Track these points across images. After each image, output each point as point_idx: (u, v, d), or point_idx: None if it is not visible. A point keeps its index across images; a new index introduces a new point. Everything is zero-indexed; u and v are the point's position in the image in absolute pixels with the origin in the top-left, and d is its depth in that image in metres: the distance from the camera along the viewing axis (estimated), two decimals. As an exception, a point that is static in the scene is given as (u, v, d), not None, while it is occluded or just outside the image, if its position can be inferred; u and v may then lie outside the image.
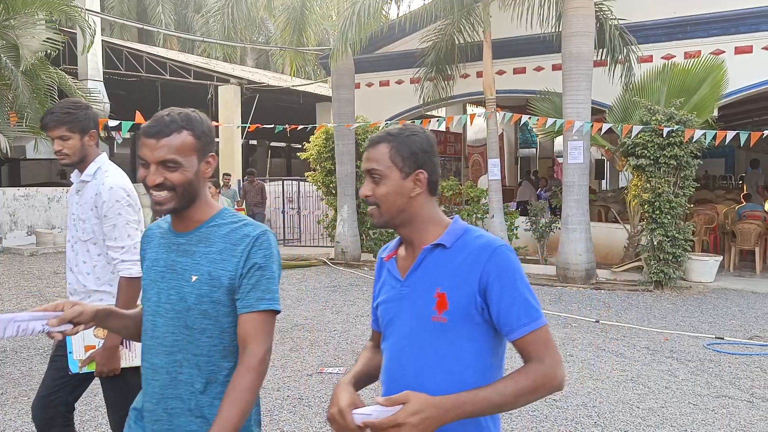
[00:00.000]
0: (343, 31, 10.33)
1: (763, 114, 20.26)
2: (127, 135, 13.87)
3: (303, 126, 10.15)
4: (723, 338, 6.72)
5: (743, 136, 8.63)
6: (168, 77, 16.41)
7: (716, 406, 4.83)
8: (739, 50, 10.41)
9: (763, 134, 8.65)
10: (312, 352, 6.32)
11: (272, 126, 10.01)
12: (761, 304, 8.31)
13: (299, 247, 14.18)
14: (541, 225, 11.15)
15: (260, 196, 13.46)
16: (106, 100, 15.54)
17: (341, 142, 11.82)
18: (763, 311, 7.89)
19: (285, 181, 15.33)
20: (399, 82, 13.68)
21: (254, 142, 28.38)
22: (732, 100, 10.62)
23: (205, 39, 22.12)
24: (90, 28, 11.13)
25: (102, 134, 14.89)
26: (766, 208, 11.99)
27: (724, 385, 5.31)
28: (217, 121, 15.77)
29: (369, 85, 14.01)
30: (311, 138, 12.56)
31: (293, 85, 17.38)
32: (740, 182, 20.72)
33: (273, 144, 28.49)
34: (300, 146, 13.37)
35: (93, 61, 15.42)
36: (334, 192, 12.34)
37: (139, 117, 8.79)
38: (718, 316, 7.72)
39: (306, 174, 13.26)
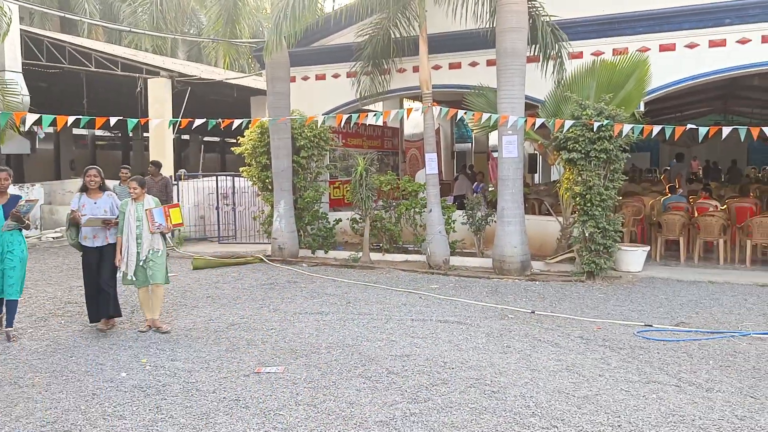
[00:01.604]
0: (278, 23, 10.12)
1: (686, 109, 21.22)
2: (50, 129, 13.19)
3: (237, 120, 9.85)
4: (652, 326, 6.96)
5: (668, 131, 8.96)
6: (93, 69, 15.69)
7: (647, 392, 4.98)
8: (663, 48, 10.81)
9: (686, 128, 9.00)
10: (249, 352, 6.17)
11: (205, 121, 9.69)
12: (686, 291, 8.67)
13: (235, 245, 13.86)
14: (477, 218, 11.28)
15: (164, 193, 11.61)
16: (26, 92, 14.75)
17: (277, 136, 11.60)
18: (687, 298, 8.23)
19: (219, 177, 14.94)
20: (335, 76, 13.54)
21: (186, 137, 27.60)
22: (657, 96, 11.01)
23: (132, 29, 21.31)
24: (6, 16, 10.49)
25: (21, 128, 14.14)
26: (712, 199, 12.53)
27: (654, 371, 5.49)
28: (147, 116, 15.21)
29: (305, 78, 13.82)
30: (246, 132, 12.27)
31: (227, 79, 16.95)
32: (663, 175, 21.60)
33: (206, 139, 27.80)
34: (234, 141, 13.01)
35: (11, 51, 14.57)
36: (270, 187, 12.10)
37: (61, 119, 8.36)
38: (646, 304, 8.00)
39: (241, 169, 12.96)
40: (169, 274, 7.19)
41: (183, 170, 15.13)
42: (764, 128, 8.81)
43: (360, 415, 4.59)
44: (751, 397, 4.87)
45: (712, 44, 10.50)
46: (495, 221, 10.39)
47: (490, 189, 15.06)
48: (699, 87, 12.18)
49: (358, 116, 10.10)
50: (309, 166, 12.26)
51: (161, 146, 14.70)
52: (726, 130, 8.90)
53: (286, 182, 11.74)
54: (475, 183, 16.38)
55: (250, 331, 6.93)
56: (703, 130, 8.96)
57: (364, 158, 11.57)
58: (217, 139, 28.65)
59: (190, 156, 26.51)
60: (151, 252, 6.91)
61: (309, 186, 12.17)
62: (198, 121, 9.75)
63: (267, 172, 12.15)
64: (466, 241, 11.65)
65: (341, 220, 12.27)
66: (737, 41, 10.32)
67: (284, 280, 9.84)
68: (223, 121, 9.81)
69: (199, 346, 6.40)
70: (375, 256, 11.35)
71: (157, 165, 12.29)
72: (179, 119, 10.52)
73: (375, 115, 11.01)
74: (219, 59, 20.25)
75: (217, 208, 14.50)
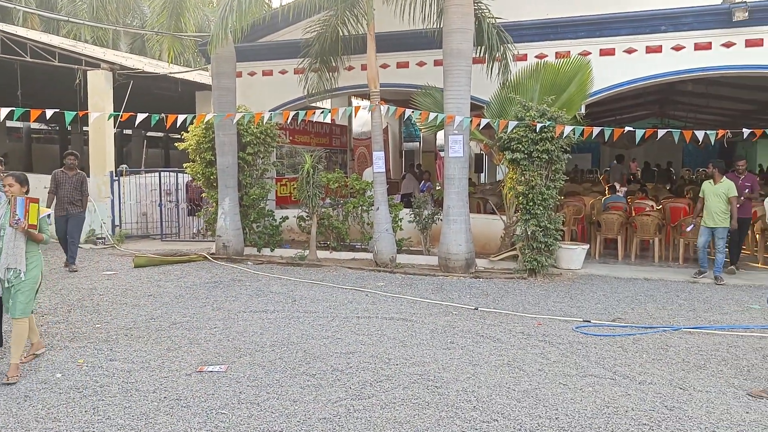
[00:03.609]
0: (223, 17, 9.96)
1: (625, 112, 21.96)
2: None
3: (181, 115, 9.63)
4: (590, 321, 7.18)
5: (607, 133, 9.26)
6: (29, 59, 15.06)
7: (584, 385, 5.15)
8: (603, 52, 11.16)
9: (624, 131, 9.32)
10: (191, 351, 6.06)
11: (147, 115, 9.43)
12: (623, 288, 8.98)
13: (178, 243, 13.57)
14: (424, 217, 11.39)
15: (79, 191, 10.29)
16: (-46, 82, 14.04)
17: (222, 132, 11.41)
18: (624, 295, 8.53)
19: (162, 173, 14.60)
20: (283, 72, 13.42)
21: (129, 131, 26.84)
22: (598, 99, 11.36)
23: (71, 19, 20.56)
24: (-68, 1, 9.95)
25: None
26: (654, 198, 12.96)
27: (591, 365, 5.67)
28: (86, 109, 14.71)
29: (251, 74, 13.65)
30: (190, 128, 12.02)
31: (171, 72, 16.54)
32: (603, 175, 22.26)
33: (149, 134, 27.09)
34: (179, 136, 12.71)
35: (-63, 39, 13.85)
36: (214, 184, 11.91)
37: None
38: (585, 300, 8.24)
39: (185, 165, 12.69)
40: (33, 303, 5.64)
41: (124, 166, 14.70)
42: (696, 132, 9.22)
43: (303, 413, 4.58)
44: (681, 388, 5.09)
45: (649, 50, 10.90)
46: (441, 220, 10.52)
47: (437, 188, 15.22)
48: (637, 91, 12.64)
49: (306, 113, 10.03)
50: (255, 162, 12.12)
51: (101, 141, 14.23)
52: (661, 133, 9.26)
53: (231, 179, 11.57)
54: (422, 182, 16.52)
55: (192, 329, 6.82)
56: (640, 133, 9.31)
57: (311, 155, 11.52)
58: (160, 134, 27.94)
59: (133, 151, 25.76)
60: (10, 273, 5.39)
61: (255, 183, 12.04)
62: (140, 116, 9.51)
63: (212, 168, 11.95)
64: (412, 239, 11.75)
65: (288, 218, 12.19)
66: (672, 48, 10.75)
67: (229, 278, 9.70)
68: (166, 116, 9.59)
69: (139, 345, 6.25)
70: (322, 254, 11.32)
71: (76, 156, 10.67)
72: (120, 113, 10.21)
73: (323, 112, 10.95)
74: (163, 53, 19.75)
75: (160, 204, 14.17)
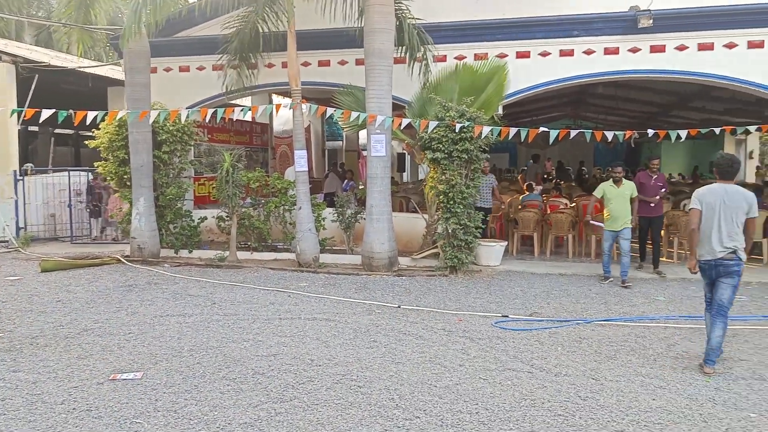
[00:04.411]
0: (137, 9, 9.56)
1: (541, 113, 22.75)
2: None
3: (91, 112, 9.16)
4: (508, 316, 7.38)
5: (523, 133, 9.55)
6: None
7: (503, 379, 5.28)
8: (519, 55, 11.50)
9: (539, 131, 9.63)
10: (103, 359, 5.79)
11: (54, 111, 8.91)
12: (539, 283, 9.28)
13: (90, 245, 12.95)
14: (347, 216, 11.37)
15: None
16: None
17: (136, 129, 10.97)
18: (540, 290, 8.82)
19: (72, 172, 13.87)
20: (200, 69, 13.05)
21: (35, 128, 25.36)
22: (514, 100, 11.70)
23: (-32, 8, 19.20)
24: None
25: None
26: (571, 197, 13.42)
27: (509, 359, 5.82)
28: (-14, 103, 13.77)
29: (167, 69, 13.19)
30: (101, 125, 11.47)
31: (80, 67, 15.75)
32: (520, 174, 22.97)
33: (57, 131, 25.71)
34: (90, 133, 12.11)
35: None
36: (128, 184, 11.43)
37: None
38: (504, 296, 8.47)
39: (96, 164, 12.11)
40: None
41: (30, 165, 13.88)
42: (606, 132, 9.66)
43: (223, 418, 4.46)
44: (593, 378, 5.30)
45: (563, 53, 11.33)
46: (364, 219, 10.53)
47: (360, 187, 15.24)
48: (552, 93, 13.09)
49: (225, 111, 9.78)
50: (171, 161, 11.73)
51: (4, 138, 13.38)
52: (573, 133, 9.63)
53: (146, 178, 11.15)
54: (346, 181, 16.50)
55: (105, 336, 6.51)
56: (554, 133, 9.64)
57: (231, 154, 11.26)
58: (70, 131, 26.58)
59: (39, 149, 24.37)
60: None
61: (171, 182, 11.65)
62: (46, 112, 9.00)
63: (125, 167, 11.47)
64: (336, 238, 11.71)
65: (207, 218, 11.87)
66: (583, 52, 11.21)
67: (144, 281, 9.34)
68: (75, 113, 9.11)
69: (46, 354, 5.91)
70: (243, 254, 11.09)
71: None
72: (24, 109, 9.61)
73: (242, 110, 10.73)
74: (72, 46, 18.79)
75: (70, 205, 13.47)
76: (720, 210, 5.48)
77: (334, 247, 11.57)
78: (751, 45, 10.52)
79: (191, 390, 5.01)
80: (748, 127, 9.42)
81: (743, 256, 5.48)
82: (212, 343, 6.24)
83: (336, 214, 11.40)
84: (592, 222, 10.15)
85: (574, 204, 12.77)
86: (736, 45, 10.57)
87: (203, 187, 14.25)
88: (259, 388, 5.05)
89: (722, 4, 10.52)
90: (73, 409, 4.65)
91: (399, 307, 7.82)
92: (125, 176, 11.53)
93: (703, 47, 10.70)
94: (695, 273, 5.72)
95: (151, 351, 6.01)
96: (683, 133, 9.39)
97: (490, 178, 11.49)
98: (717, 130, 9.62)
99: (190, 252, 11.44)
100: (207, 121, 12.42)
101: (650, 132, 9.63)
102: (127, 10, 10.05)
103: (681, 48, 10.79)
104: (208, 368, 5.52)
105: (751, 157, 24.41)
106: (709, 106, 17.52)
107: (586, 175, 24.17)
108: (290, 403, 4.73)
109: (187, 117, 11.09)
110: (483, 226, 10.29)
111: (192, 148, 12.60)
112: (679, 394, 4.96)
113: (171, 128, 11.46)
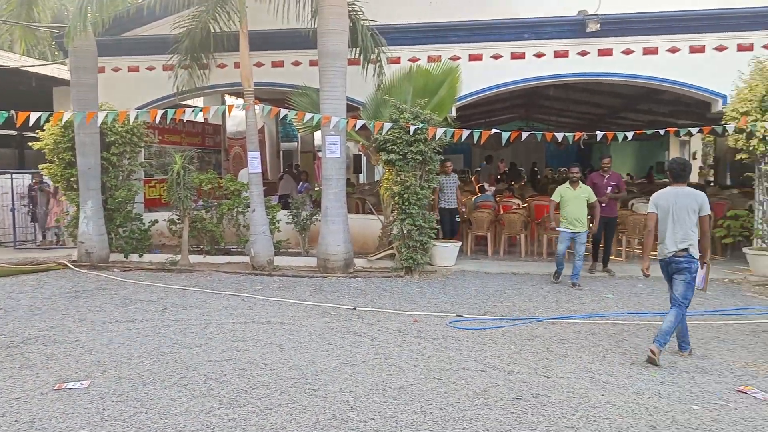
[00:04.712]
0: (82, 6, 9.30)
1: (494, 115, 23.06)
2: None
3: (35, 113, 8.84)
4: (462, 316, 7.46)
5: (476, 134, 9.65)
6: None
7: (457, 378, 5.32)
8: (472, 57, 11.63)
9: (491, 133, 9.75)
10: (48, 368, 5.60)
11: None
12: (492, 282, 9.40)
13: (35, 250, 12.52)
14: (302, 218, 11.30)
15: None
16: None
17: (83, 131, 10.66)
18: (494, 289, 8.93)
19: (15, 175, 13.38)
20: (150, 69, 12.76)
21: (-25, 129, 24.41)
22: (468, 102, 11.83)
23: None
24: None
25: None
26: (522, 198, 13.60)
27: (463, 358, 5.88)
28: None
29: (116, 69, 12.85)
30: (46, 126, 11.10)
31: (23, 66, 15.24)
32: (474, 175, 23.24)
33: (0, 132, 24.77)
34: (35, 135, 11.71)
35: None
36: (75, 187, 11.10)
37: None
38: (458, 295, 8.55)
39: (41, 166, 11.72)
40: None
41: (-31, 167, 13.35)
42: (556, 134, 9.85)
43: (174, 426, 4.37)
44: (545, 376, 5.40)
45: (514, 56, 11.51)
46: (320, 220, 10.48)
47: (315, 188, 15.16)
48: (504, 95, 13.30)
49: (175, 112, 9.59)
50: (121, 163, 11.45)
51: (-59, 139, 12.84)
52: (525, 134, 9.80)
53: (94, 181, 10.85)
54: (301, 182, 16.38)
55: (50, 344, 6.30)
56: (505, 134, 9.77)
57: (182, 155, 11.05)
58: (13, 132, 25.66)
59: (-20, 151, 23.44)
60: None
61: (121, 185, 11.37)
62: (-15, 112, 8.64)
63: (72, 169, 11.14)
64: (291, 240, 11.62)
65: (158, 221, 11.63)
66: (534, 55, 11.42)
67: (92, 287, 9.08)
68: (17, 114, 8.79)
69: (-14, 365, 5.68)
70: (195, 258, 10.90)
71: None
72: (-38, 109, 9.21)
73: (193, 111, 10.54)
74: (15, 44, 18.13)
75: (12, 209, 13.00)
76: (673, 212, 5.77)
77: (289, 250, 11.48)
78: (693, 50, 10.90)
79: (141, 398, 4.89)
80: (690, 129, 9.74)
81: (695, 253, 5.73)
82: (163, 349, 6.10)
83: (291, 216, 11.32)
84: (558, 229, 9.56)
85: (526, 204, 12.99)
86: (679, 50, 10.94)
87: (154, 190, 13.94)
88: (212, 393, 4.97)
89: (666, 10, 10.86)
90: (15, 421, 4.48)
91: (354, 308, 7.80)
92: (72, 179, 11.19)
93: (648, 51, 11.03)
94: (648, 275, 6.00)
95: (98, 359, 5.84)
96: (630, 135, 9.65)
97: (454, 178, 11.46)
98: (662, 132, 9.93)
99: (141, 256, 11.18)
100: (157, 122, 12.17)
101: (599, 134, 9.86)
102: (72, 7, 9.75)
103: (627, 52, 11.10)
104: (159, 375, 5.40)
105: (694, 158, 25.32)
106: (655, 109, 18.08)
107: (539, 176, 24.64)
108: (243, 409, 4.67)
109: (137, 118, 10.84)
110: (455, 227, 10.35)
111: (142, 149, 12.33)
112: (627, 388, 5.10)
113: (120, 129, 11.19)
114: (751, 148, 8.93)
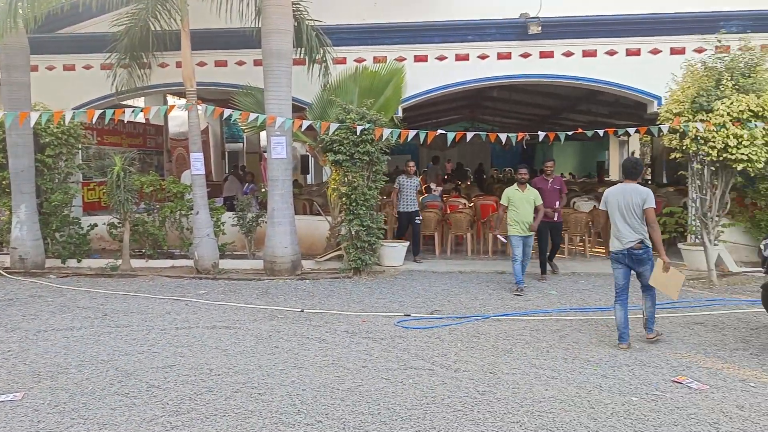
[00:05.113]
0: (12, 2, 8.91)
1: (440, 116, 23.29)
2: None
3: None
4: (410, 315, 7.49)
5: (422, 135, 9.72)
6: None
7: (404, 378, 5.33)
8: (417, 58, 11.71)
9: (437, 133, 9.83)
10: (-23, 380, 5.33)
11: None
12: (440, 282, 9.48)
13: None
14: (248, 220, 11.13)
15: None
16: None
17: (15, 132, 10.21)
18: (441, 288, 9.01)
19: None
20: (87, 67, 12.34)
21: None
22: (414, 103, 11.90)
23: None
24: None
25: None
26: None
27: (411, 357, 5.90)
28: None
29: (50, 68, 12.38)
30: (-27, 127, 10.60)
31: (-50, 63, 14.49)
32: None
33: (-74, 133, 23.50)
34: (-38, 136, 11.16)
35: None
36: (7, 190, 10.62)
37: None
38: (406, 295, 8.58)
39: (-31, 169, 11.16)
40: None
41: None
42: (500, 134, 10.01)
43: (114, 436, 4.23)
44: (491, 373, 5.47)
45: (458, 58, 11.65)
46: (266, 222, 10.35)
47: (261, 190, 14.97)
48: (450, 96, 13.42)
49: (114, 112, 9.30)
50: (57, 165, 11.02)
51: None
52: (470, 135, 9.92)
53: (28, 184, 10.41)
54: (246, 184, 16.14)
55: (-20, 355, 6.00)
56: (451, 135, 9.87)
57: (122, 157, 10.73)
58: (-60, 133, 24.42)
59: None
60: None
61: (57, 188, 10.95)
62: None
63: (3, 172, 10.66)
64: (236, 243, 11.43)
65: (97, 225, 11.26)
66: (478, 56, 11.58)
67: (26, 294, 8.71)
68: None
69: None
70: (137, 262, 10.59)
71: None
72: None
73: (133, 111, 10.22)
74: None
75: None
76: (620, 207, 6.20)
77: (234, 253, 11.29)
78: (629, 53, 11.27)
79: (79, 408, 4.71)
80: (627, 130, 10.06)
81: (649, 243, 6.18)
82: (102, 357, 5.91)
83: (236, 218, 11.14)
84: (499, 236, 9.57)
85: (472, 204, 13.16)
86: (617, 52, 11.29)
87: (93, 193, 13.48)
88: (154, 401, 4.83)
89: (604, 14, 11.19)
90: (-58, 437, 4.25)
91: (302, 311, 7.74)
92: (4, 182, 10.71)
93: (588, 54, 11.35)
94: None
95: (33, 369, 5.60)
96: (570, 134, 9.89)
97: (415, 181, 11.13)
98: (601, 133, 10.22)
99: (79, 261, 10.80)
100: (95, 122, 11.79)
101: (541, 134, 10.07)
102: (1, 3, 9.35)
103: (568, 54, 11.38)
104: (98, 384, 5.21)
105: (633, 157, 26.09)
106: (595, 110, 18.61)
107: (485, 176, 25.02)
108: (187, 416, 4.55)
109: (73, 118, 10.48)
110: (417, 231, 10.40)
111: (80, 151, 11.91)
112: (570, 383, 5.22)
113: (55, 130, 10.77)
114: (684, 147, 9.27)
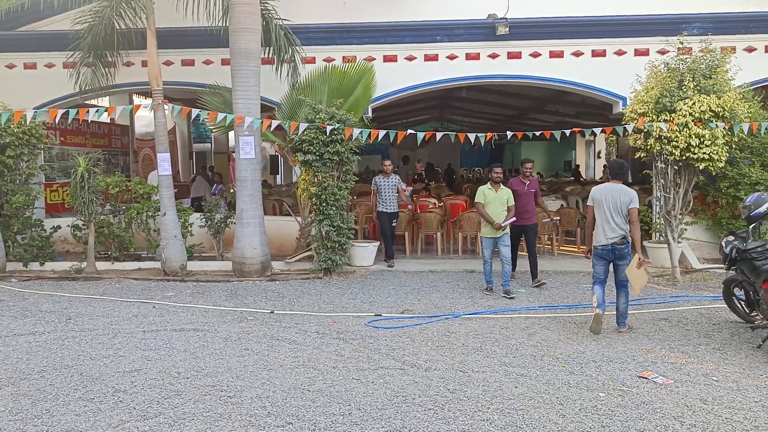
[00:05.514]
0: (-30, -1, 8.66)
1: (410, 116, 23.36)
2: None
3: None
4: (381, 315, 7.49)
5: (392, 135, 9.73)
6: None
7: (375, 378, 5.33)
8: (387, 58, 11.71)
9: (406, 133, 9.87)
10: (-65, 388, 5.16)
11: None
12: (410, 281, 9.50)
13: None
14: (216, 221, 11.01)
15: None
16: None
17: (-26, 132, 9.94)
18: (411, 287, 9.03)
19: None
20: (49, 66, 12.05)
21: None
22: (383, 103, 11.91)
23: None
24: None
25: None
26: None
27: (382, 357, 5.90)
28: None
29: (10, 66, 12.06)
30: (-69, 127, 10.27)
31: None
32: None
33: None
34: None
35: None
36: (-33, 192, 10.34)
37: None
38: (377, 295, 8.58)
39: (-74, 171, 10.82)
40: None
41: None
42: (469, 134, 10.08)
43: (79, 443, 4.14)
44: (461, 371, 5.50)
45: (427, 58, 11.69)
46: (235, 223, 10.24)
47: (230, 190, 14.82)
48: (419, 96, 13.48)
49: (78, 112, 9.11)
50: (18, 166, 10.75)
51: None
52: (439, 135, 9.97)
53: (-11, 186, 10.14)
54: (215, 184, 15.96)
55: (-62, 362, 5.82)
56: (420, 135, 9.92)
57: (86, 158, 10.51)
58: None
59: None
60: None
61: (18, 189, 10.68)
62: None
63: (-38, 173, 10.36)
64: (205, 244, 11.30)
65: (60, 227, 11.01)
66: (447, 57, 11.64)
67: (-13, 298, 8.48)
68: None
69: None
70: (102, 265, 10.39)
71: None
72: None
73: (97, 111, 10.01)
74: None
75: None
76: (607, 205, 6.59)
77: (203, 254, 11.16)
78: (595, 54, 11.45)
79: (42, 415, 4.59)
80: (594, 129, 10.23)
81: (630, 239, 6.64)
82: (67, 362, 5.77)
83: (204, 220, 11.00)
84: (481, 235, 8.94)
85: (442, 204, 13.22)
86: (583, 53, 11.45)
87: (56, 194, 13.18)
88: (121, 406, 4.74)
89: (571, 15, 11.35)
90: None
91: (272, 312, 7.68)
92: (-38, 184, 10.41)
93: (554, 55, 11.49)
94: (589, 259, 6.96)
95: (-6, 375, 5.45)
96: (538, 134, 10.02)
97: (394, 180, 10.80)
98: (568, 132, 10.36)
99: (42, 264, 10.54)
100: (58, 122, 11.53)
101: (509, 133, 10.17)
102: (-41, -1, 9.09)
103: (535, 55, 11.51)
104: (62, 389, 5.10)
105: (599, 157, 26.58)
106: (562, 110, 18.89)
107: (454, 176, 25.18)
108: (155, 420, 4.48)
109: (34, 118, 10.24)
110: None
111: (42, 151, 11.63)
112: (539, 380, 5.27)
113: (16, 130, 10.49)
114: (648, 147, 9.46)
